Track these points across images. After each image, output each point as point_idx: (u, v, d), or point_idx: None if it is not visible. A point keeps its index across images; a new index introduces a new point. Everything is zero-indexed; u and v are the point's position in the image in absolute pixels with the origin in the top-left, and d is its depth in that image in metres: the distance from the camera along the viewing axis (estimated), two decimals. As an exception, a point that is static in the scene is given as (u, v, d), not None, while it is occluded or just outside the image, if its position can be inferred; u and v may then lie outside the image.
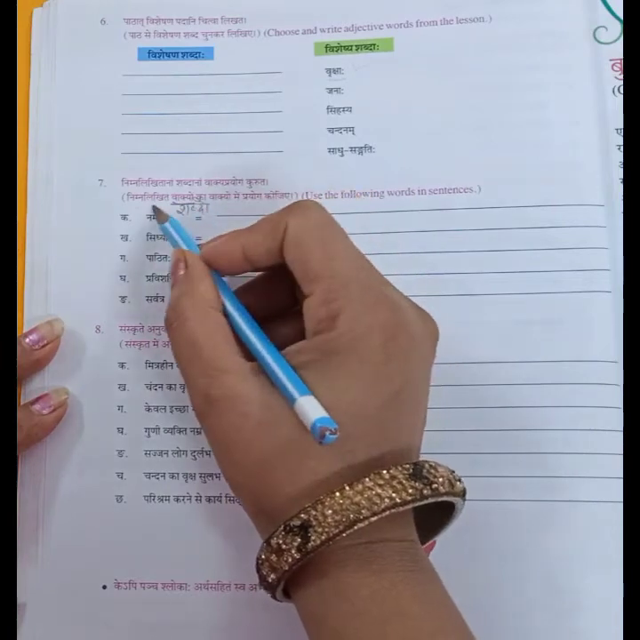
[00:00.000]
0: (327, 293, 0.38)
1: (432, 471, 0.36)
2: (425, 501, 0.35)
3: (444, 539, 0.43)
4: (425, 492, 0.35)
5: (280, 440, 0.37)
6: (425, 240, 0.48)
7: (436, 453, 0.45)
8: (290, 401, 0.36)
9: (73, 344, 0.48)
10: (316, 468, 0.36)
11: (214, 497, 0.46)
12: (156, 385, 0.48)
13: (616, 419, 0.46)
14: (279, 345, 0.39)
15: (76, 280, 0.49)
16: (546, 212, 0.48)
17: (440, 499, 0.36)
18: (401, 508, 0.35)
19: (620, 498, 0.45)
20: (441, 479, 0.36)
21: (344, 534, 0.34)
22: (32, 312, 0.49)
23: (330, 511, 0.35)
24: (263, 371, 0.38)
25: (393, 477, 0.35)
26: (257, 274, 0.45)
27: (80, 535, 0.46)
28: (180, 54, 0.51)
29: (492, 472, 0.46)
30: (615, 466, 0.45)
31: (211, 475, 0.47)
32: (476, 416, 0.46)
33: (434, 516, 0.39)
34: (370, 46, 0.51)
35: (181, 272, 0.42)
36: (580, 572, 0.45)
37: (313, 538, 0.35)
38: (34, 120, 0.51)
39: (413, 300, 0.47)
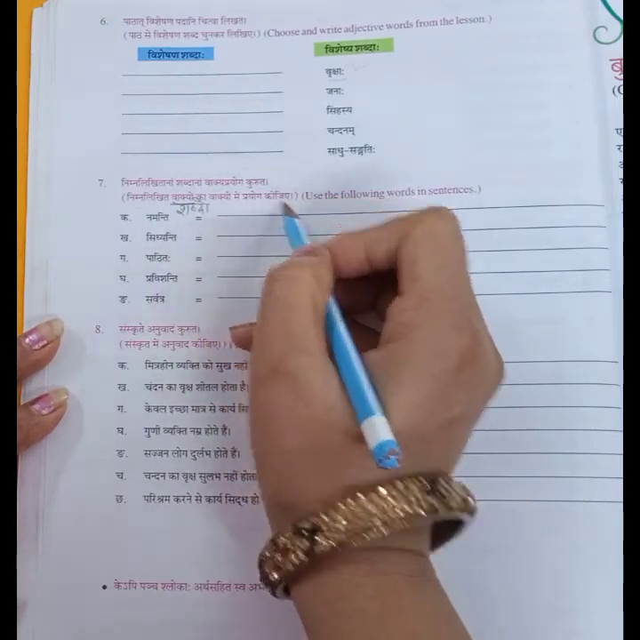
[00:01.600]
0: (418, 299, 0.38)
1: (446, 487, 0.36)
2: (437, 517, 0.35)
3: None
4: (438, 507, 0.35)
5: (328, 441, 0.36)
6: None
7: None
8: (360, 413, 0.35)
9: (73, 344, 0.48)
10: (355, 476, 0.36)
11: (214, 497, 0.46)
12: (156, 385, 0.48)
13: (616, 419, 0.46)
14: None
15: (76, 280, 0.49)
16: (546, 212, 0.48)
17: (451, 515, 0.36)
18: (413, 523, 0.35)
19: (620, 498, 0.45)
20: (455, 495, 0.36)
21: (354, 543, 0.34)
22: (32, 312, 0.49)
23: (341, 518, 0.34)
24: (338, 373, 0.37)
25: (408, 490, 0.35)
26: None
27: (80, 535, 0.46)
28: (180, 54, 0.51)
29: (492, 472, 0.46)
30: (615, 466, 0.45)
31: (211, 475, 0.47)
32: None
33: (439, 528, 0.39)
34: (370, 47, 0.51)
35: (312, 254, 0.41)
36: (580, 572, 0.45)
37: (322, 543, 0.35)
38: (34, 120, 0.51)
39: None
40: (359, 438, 0.35)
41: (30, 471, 0.47)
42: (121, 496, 0.47)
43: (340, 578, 0.36)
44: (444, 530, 0.39)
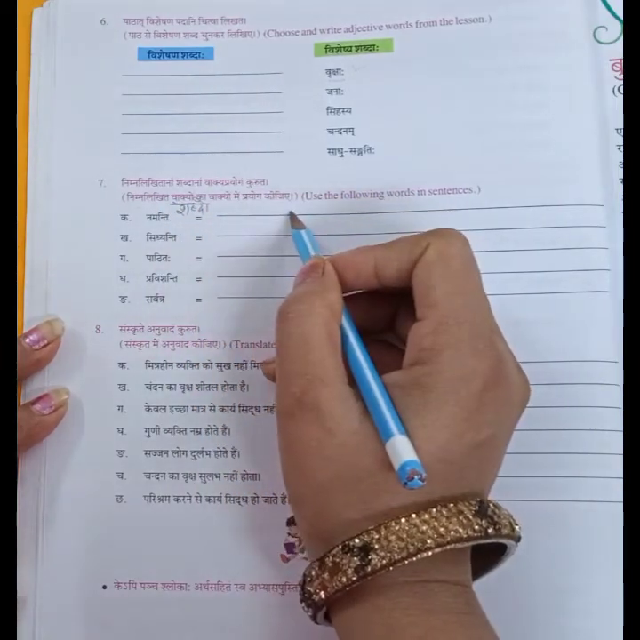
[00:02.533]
0: (439, 325, 0.38)
1: (496, 511, 0.36)
2: (487, 540, 0.35)
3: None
4: (489, 531, 0.35)
5: (357, 467, 0.36)
6: (425, 240, 0.48)
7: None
8: (383, 435, 0.35)
9: (73, 344, 0.48)
10: (388, 503, 0.36)
11: (214, 497, 0.46)
12: (156, 385, 0.48)
13: (616, 419, 0.46)
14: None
15: (76, 280, 0.49)
16: (546, 211, 0.48)
17: (500, 540, 0.36)
18: (466, 544, 0.35)
19: (620, 498, 0.45)
20: (504, 520, 0.36)
21: (406, 562, 0.34)
22: (32, 312, 0.49)
23: (394, 536, 0.34)
24: (360, 397, 0.38)
25: (459, 512, 0.35)
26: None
27: (80, 535, 0.46)
28: (180, 54, 0.51)
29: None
30: (615, 466, 0.45)
31: (211, 475, 0.47)
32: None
33: (478, 559, 0.39)
34: (369, 47, 0.51)
35: (315, 276, 0.41)
36: (580, 572, 0.45)
37: (374, 560, 0.34)
38: (34, 120, 0.51)
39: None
40: (388, 463, 0.35)
41: (30, 471, 0.47)
42: (121, 496, 0.47)
43: (388, 616, 0.35)
44: (482, 561, 0.39)
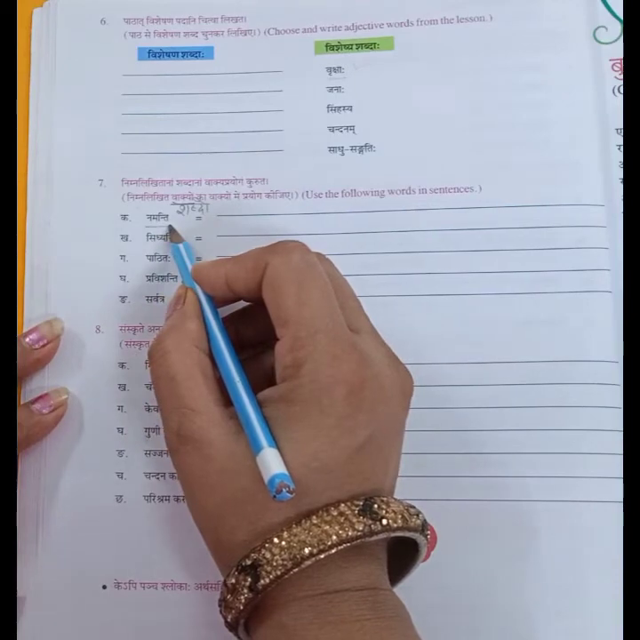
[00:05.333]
0: (294, 340, 0.38)
1: (383, 506, 0.36)
2: (374, 537, 0.35)
3: (445, 539, 0.44)
4: (374, 527, 0.35)
5: (238, 489, 0.37)
6: (425, 239, 0.48)
7: (436, 453, 0.45)
8: (254, 449, 0.36)
9: (73, 344, 0.48)
10: (271, 520, 0.36)
11: (214, 497, 0.46)
12: (156, 385, 0.48)
13: (616, 419, 0.46)
14: (268, 376, 0.39)
15: (76, 280, 0.49)
16: (545, 211, 0.48)
17: (392, 534, 0.36)
18: (348, 545, 0.35)
19: (620, 498, 0.45)
20: (392, 514, 0.36)
21: (291, 573, 0.35)
22: (32, 312, 0.48)
23: (277, 550, 0.35)
24: (237, 416, 0.38)
25: (341, 514, 0.35)
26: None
27: (80, 535, 0.46)
28: (179, 54, 0.51)
29: (492, 472, 0.46)
30: (615, 466, 0.45)
31: (211, 475, 0.47)
32: (475, 416, 0.46)
33: (408, 555, 0.39)
34: (370, 45, 0.51)
35: (178, 307, 0.42)
36: (580, 572, 0.45)
37: (263, 576, 0.35)
38: (34, 120, 0.51)
39: (411, 299, 0.47)
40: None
41: (30, 471, 0.47)
42: (121, 496, 0.47)
43: (293, 631, 0.36)
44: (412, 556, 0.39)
